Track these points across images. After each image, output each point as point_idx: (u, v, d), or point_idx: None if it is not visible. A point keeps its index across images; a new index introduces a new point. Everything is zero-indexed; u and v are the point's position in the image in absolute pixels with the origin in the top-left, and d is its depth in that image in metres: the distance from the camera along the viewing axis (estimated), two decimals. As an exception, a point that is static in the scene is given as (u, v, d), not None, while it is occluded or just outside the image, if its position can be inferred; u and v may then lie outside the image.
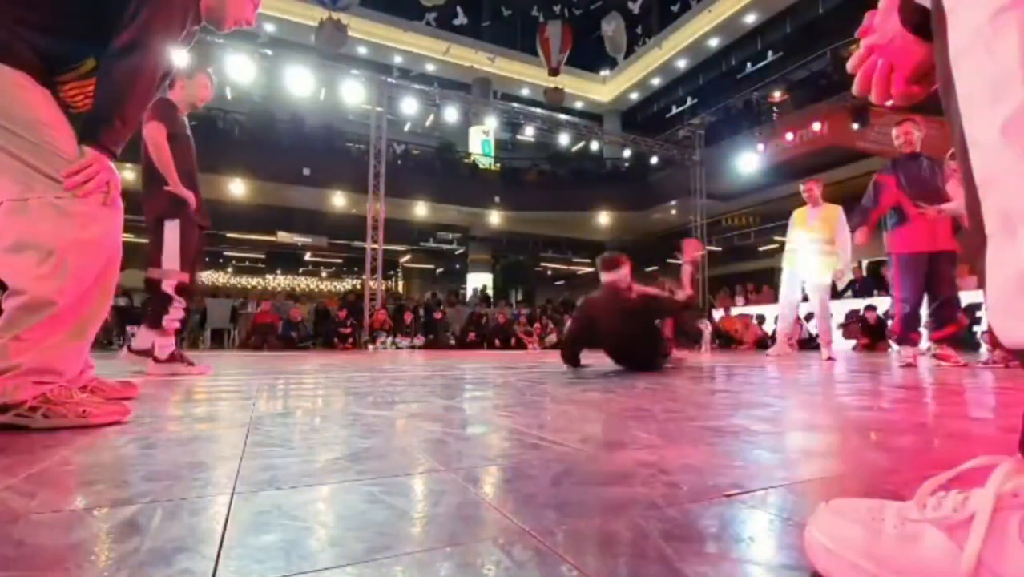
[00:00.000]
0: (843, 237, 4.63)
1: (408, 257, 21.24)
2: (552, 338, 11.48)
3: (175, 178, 2.83)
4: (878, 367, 3.98)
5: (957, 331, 3.93)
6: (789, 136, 12.20)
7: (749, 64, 17.67)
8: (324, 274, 22.49)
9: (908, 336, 3.92)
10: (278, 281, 21.08)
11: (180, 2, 1.45)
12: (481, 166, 17.07)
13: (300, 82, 10.68)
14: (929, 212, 3.74)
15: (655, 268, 17.95)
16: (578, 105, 21.01)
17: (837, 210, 4.84)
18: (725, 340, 10.03)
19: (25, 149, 1.26)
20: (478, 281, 17.63)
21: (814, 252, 4.83)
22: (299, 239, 16.93)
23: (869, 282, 9.41)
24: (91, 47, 1.37)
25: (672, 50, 18.20)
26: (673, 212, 16.39)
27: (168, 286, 2.90)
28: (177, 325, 2.98)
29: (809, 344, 9.66)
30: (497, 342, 10.99)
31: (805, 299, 5.56)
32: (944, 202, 3.70)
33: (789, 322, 5.49)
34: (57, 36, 1.34)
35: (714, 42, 17.59)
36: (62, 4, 1.35)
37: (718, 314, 10.98)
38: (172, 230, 2.89)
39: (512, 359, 5.71)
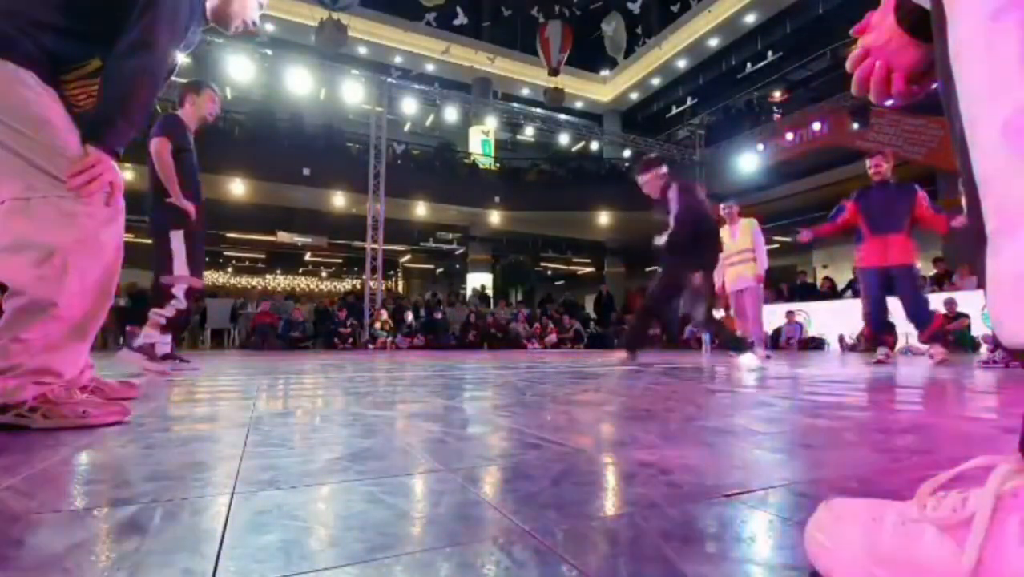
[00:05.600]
0: (760, 246, 5.53)
1: (408, 257, 21.23)
2: (552, 338, 11.48)
3: (177, 190, 3.04)
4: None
5: (939, 328, 4.37)
6: (789, 136, 12.21)
7: (749, 64, 17.61)
8: (324, 274, 22.49)
9: (879, 337, 4.56)
10: (278, 281, 21.08)
11: (184, 3, 1.45)
12: (481, 166, 17.03)
13: (300, 82, 10.70)
14: (804, 235, 4.73)
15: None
16: (578, 105, 20.97)
17: (753, 222, 5.62)
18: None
19: (29, 148, 1.26)
20: (478, 281, 17.61)
21: (743, 260, 5.60)
22: (299, 239, 16.91)
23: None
24: (96, 47, 1.37)
25: (672, 50, 18.16)
26: (673, 212, 16.37)
27: (179, 290, 3.10)
28: (162, 321, 3.10)
29: (810, 344, 9.66)
30: (497, 342, 10.99)
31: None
32: (902, 227, 4.32)
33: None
34: (64, 35, 1.34)
35: (714, 42, 17.56)
36: (70, 4, 1.35)
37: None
38: (178, 239, 3.09)
39: (512, 359, 5.71)
